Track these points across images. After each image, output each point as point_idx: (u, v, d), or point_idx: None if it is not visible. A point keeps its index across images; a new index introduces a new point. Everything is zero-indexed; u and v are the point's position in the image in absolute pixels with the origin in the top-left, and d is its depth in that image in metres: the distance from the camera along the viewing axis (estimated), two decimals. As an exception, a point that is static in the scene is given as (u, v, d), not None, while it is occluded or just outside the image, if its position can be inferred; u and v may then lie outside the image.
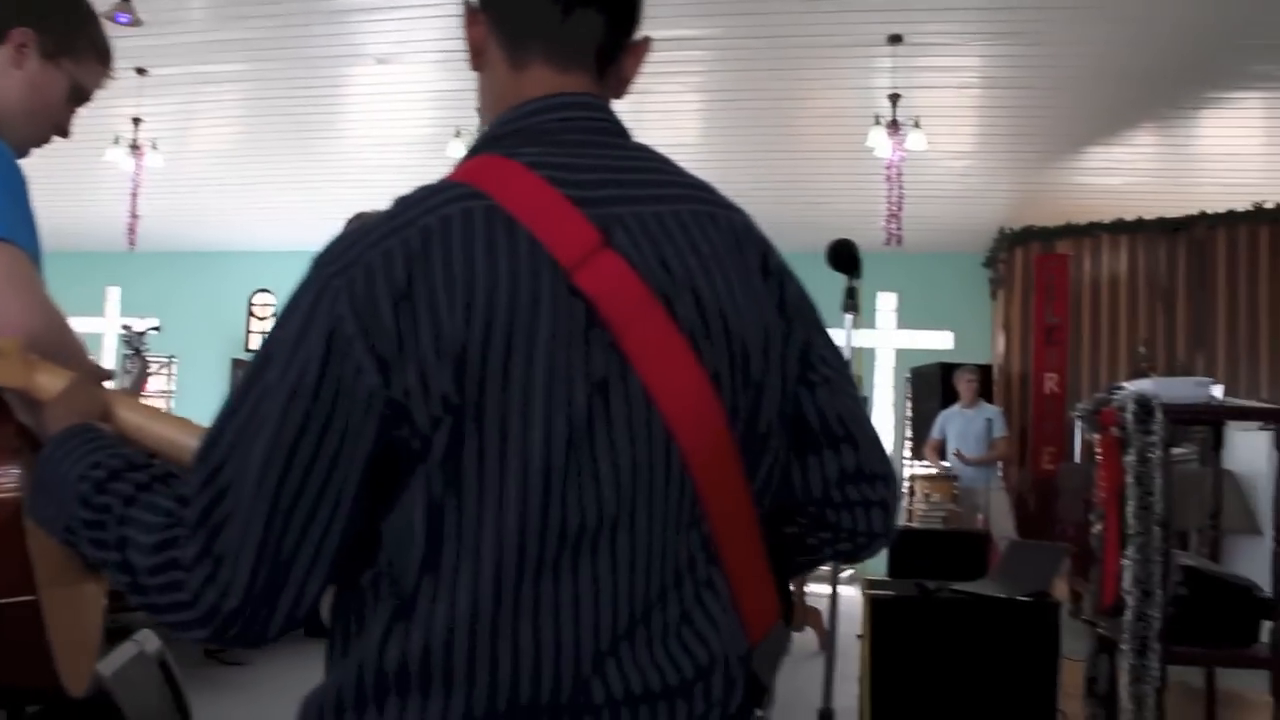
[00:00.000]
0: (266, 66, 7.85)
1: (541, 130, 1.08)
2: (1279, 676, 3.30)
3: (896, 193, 7.69)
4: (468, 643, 0.94)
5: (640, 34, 1.15)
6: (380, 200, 1.12)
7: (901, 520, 9.23)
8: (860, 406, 1.18)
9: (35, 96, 1.65)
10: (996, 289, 11.12)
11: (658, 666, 0.99)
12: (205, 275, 12.75)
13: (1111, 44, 6.98)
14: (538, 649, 0.95)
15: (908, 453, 10.71)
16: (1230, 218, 9.51)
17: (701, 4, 6.77)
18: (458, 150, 8.15)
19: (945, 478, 8.79)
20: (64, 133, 1.73)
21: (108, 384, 1.37)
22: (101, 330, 13.03)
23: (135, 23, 6.63)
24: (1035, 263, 10.04)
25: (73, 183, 9.85)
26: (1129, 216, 9.88)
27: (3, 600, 1.29)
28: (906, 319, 11.78)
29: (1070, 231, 10.17)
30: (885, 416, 11.54)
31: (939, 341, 11.59)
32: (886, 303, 11.80)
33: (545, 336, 0.96)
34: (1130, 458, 3.32)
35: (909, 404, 10.86)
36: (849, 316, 3.29)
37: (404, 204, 1.01)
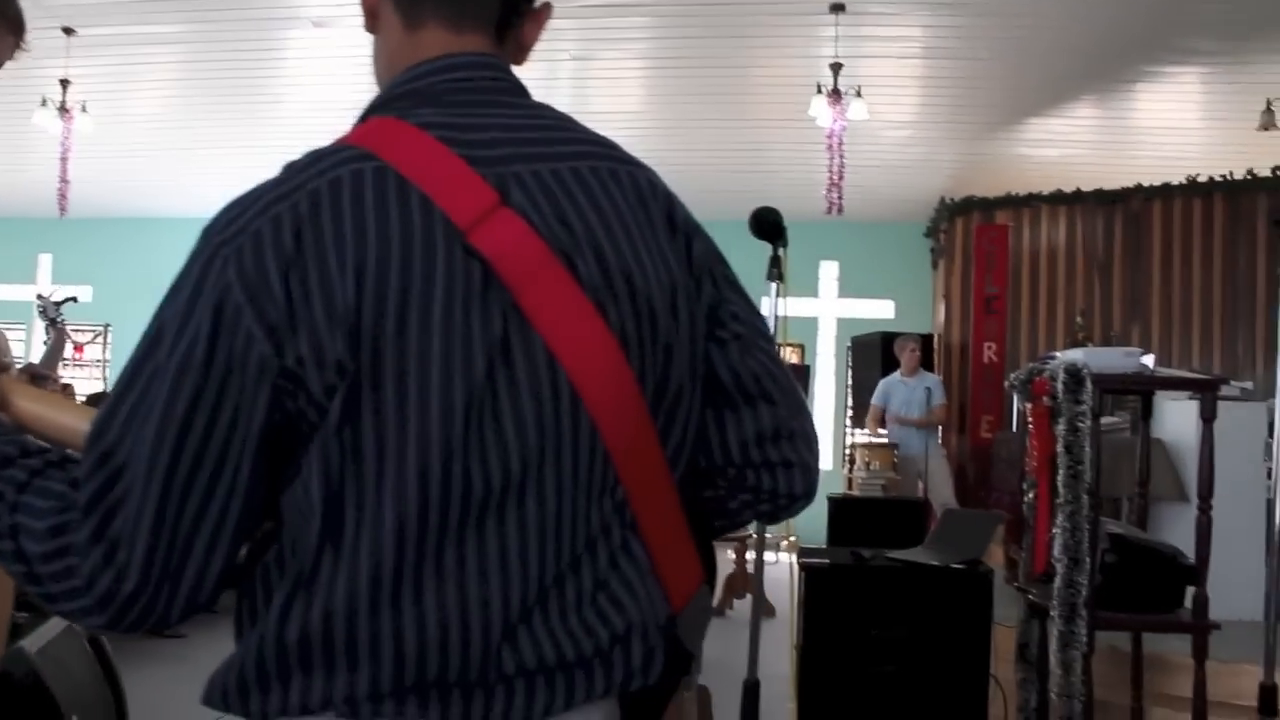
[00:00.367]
0: (201, 28, 7.67)
1: (436, 91, 1.05)
2: (1201, 641, 3.37)
3: (838, 162, 7.70)
4: (370, 615, 0.92)
5: None
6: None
7: (841, 488, 9.33)
8: (777, 364, 1.15)
9: None
10: (937, 259, 11.21)
11: (571, 635, 0.97)
12: (140, 242, 12.50)
13: (1052, 17, 7.02)
14: (444, 619, 0.93)
15: (849, 421, 10.81)
16: (1165, 190, 9.66)
17: (644, -30, 6.72)
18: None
19: (886, 446, 8.89)
20: None
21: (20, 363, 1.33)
22: (32, 298, 12.76)
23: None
24: (975, 233, 10.13)
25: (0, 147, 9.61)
26: (1067, 188, 10.00)
27: None
28: (848, 288, 11.86)
29: (1010, 202, 10.28)
30: (827, 385, 11.63)
31: (880, 310, 11.68)
32: (828, 271, 11.86)
33: (440, 299, 0.93)
34: (1061, 427, 3.36)
35: (849, 373, 10.95)
36: (774, 285, 3.29)
37: (292, 169, 0.98)
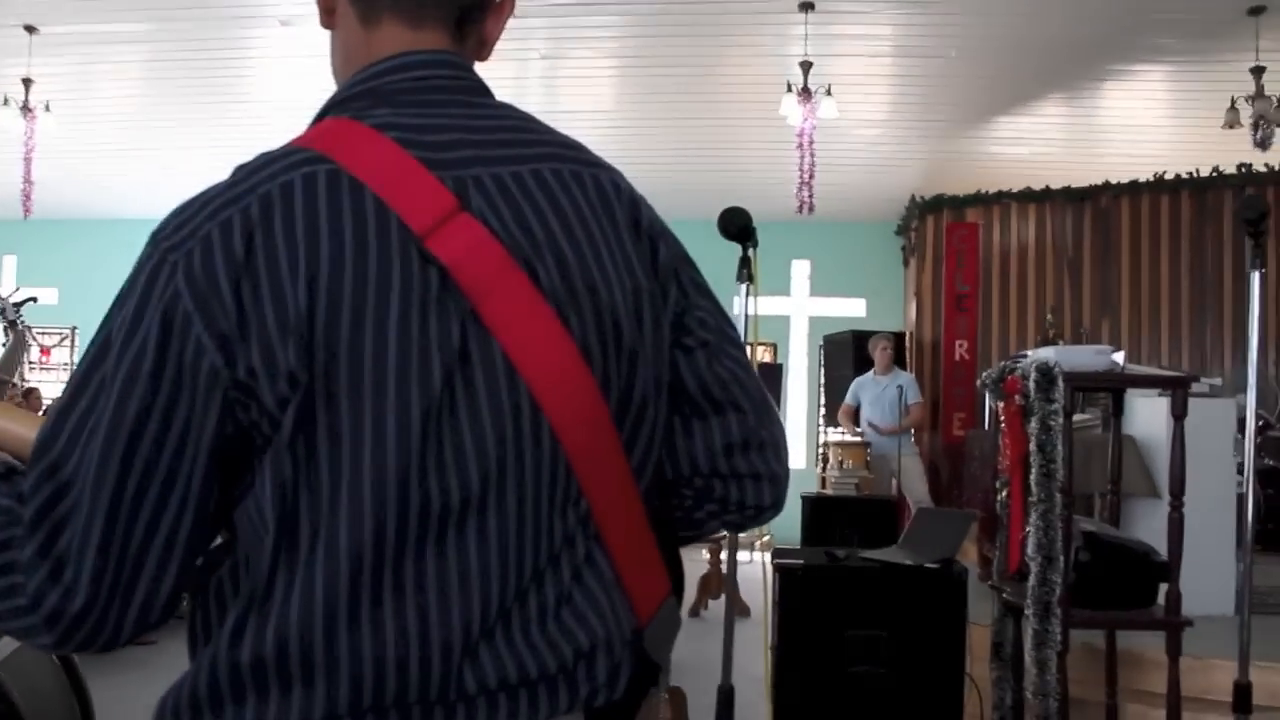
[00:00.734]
0: (167, 27, 7.58)
1: (393, 90, 1.01)
2: (1174, 637, 3.38)
3: (808, 160, 7.70)
4: (325, 633, 0.89)
5: None
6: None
7: (815, 487, 9.34)
8: (746, 370, 1.12)
9: None
10: (908, 257, 11.24)
11: (535, 650, 0.94)
12: (107, 243, 12.30)
13: (1020, 15, 7.05)
14: (403, 638, 0.90)
15: (821, 420, 10.82)
16: (1134, 187, 9.75)
17: (613, -32, 6.69)
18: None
19: (859, 444, 8.89)
20: None
21: None
22: (-4, 300, 12.60)
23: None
24: (946, 231, 10.17)
25: (-39, 147, 9.46)
26: (1037, 186, 10.06)
27: None
28: (820, 287, 11.86)
29: (980, 200, 10.33)
30: (799, 384, 11.63)
31: (852, 309, 11.69)
32: (800, 270, 11.86)
33: (396, 307, 0.90)
34: (1033, 426, 3.36)
35: (822, 371, 10.97)
36: (744, 286, 3.27)
37: (244, 171, 0.95)
